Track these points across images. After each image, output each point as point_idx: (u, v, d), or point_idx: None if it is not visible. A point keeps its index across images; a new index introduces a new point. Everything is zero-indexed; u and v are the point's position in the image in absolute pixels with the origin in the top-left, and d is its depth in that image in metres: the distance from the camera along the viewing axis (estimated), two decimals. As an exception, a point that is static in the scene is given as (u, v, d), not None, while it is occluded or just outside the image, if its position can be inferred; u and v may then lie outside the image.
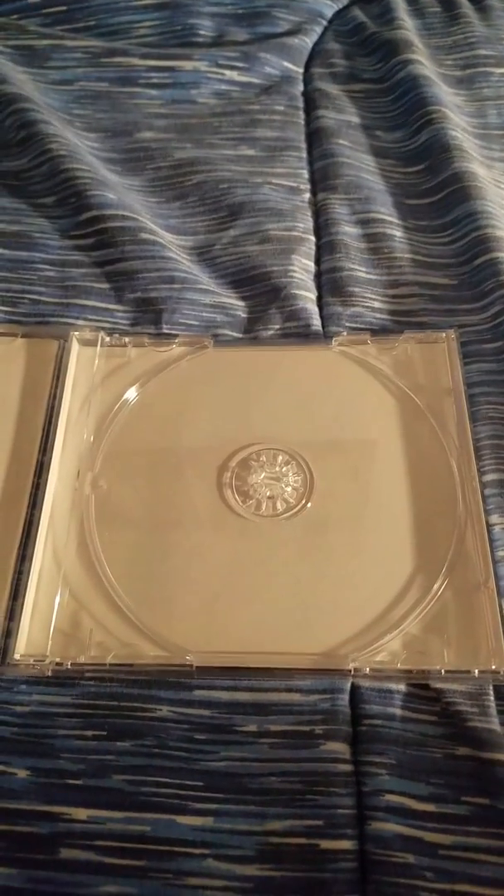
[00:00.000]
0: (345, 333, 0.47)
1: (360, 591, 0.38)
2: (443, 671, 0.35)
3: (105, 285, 0.50)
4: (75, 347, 0.47)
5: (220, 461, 0.43)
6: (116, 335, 0.47)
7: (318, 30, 0.66)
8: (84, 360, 0.47)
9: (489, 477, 0.41)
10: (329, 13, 0.67)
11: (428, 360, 0.46)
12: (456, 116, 0.57)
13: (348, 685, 0.36)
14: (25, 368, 0.46)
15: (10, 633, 0.37)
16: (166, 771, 0.34)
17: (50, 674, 0.36)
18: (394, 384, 0.45)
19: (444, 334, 0.46)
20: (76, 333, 0.47)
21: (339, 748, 0.34)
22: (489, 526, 0.39)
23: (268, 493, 0.41)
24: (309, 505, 0.41)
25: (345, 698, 0.35)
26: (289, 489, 0.42)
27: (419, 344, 0.46)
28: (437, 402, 0.44)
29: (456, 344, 0.46)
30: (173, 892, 0.31)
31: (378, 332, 0.47)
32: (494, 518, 0.40)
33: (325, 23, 0.66)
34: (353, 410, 0.44)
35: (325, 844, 0.32)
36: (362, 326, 0.48)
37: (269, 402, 0.45)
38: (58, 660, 0.36)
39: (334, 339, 0.47)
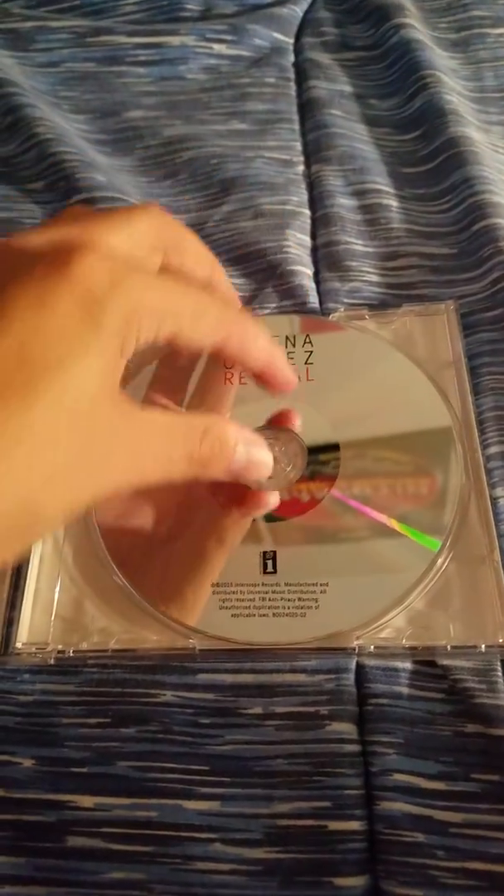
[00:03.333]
0: (342, 309, 0.46)
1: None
2: (449, 647, 0.35)
3: (97, 269, 0.49)
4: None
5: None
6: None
7: (309, -2, 0.64)
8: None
9: (493, 449, 0.40)
10: (319, -20, 0.65)
11: (428, 332, 0.45)
12: (451, 80, 0.56)
13: (353, 664, 0.35)
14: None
15: (11, 622, 0.37)
16: (172, 756, 0.34)
17: (53, 662, 0.36)
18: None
19: (443, 306, 0.45)
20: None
21: (346, 728, 0.34)
22: (493, 499, 0.38)
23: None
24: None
25: (350, 678, 0.35)
26: (289, 468, 0.41)
27: (418, 317, 0.45)
28: (438, 374, 0.43)
29: (455, 315, 0.44)
30: (181, 876, 0.31)
31: (376, 306, 0.46)
32: (499, 491, 0.39)
33: (314, -10, 0.64)
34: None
35: (334, 826, 0.32)
36: (360, 302, 0.47)
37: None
38: (60, 647, 0.36)
39: (332, 315, 0.46)
